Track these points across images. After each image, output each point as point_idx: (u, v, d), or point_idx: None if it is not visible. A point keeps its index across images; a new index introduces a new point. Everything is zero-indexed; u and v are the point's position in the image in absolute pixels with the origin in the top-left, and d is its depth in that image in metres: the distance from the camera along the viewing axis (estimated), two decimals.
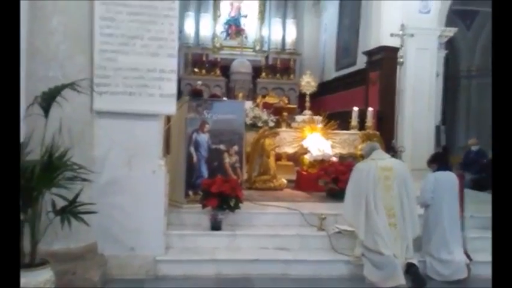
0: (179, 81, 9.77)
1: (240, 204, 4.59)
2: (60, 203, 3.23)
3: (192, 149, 4.98)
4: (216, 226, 4.52)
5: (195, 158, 4.99)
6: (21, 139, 3.24)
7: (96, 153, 3.95)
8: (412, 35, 8.06)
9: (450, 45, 10.64)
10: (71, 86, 3.31)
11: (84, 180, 3.33)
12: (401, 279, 4.00)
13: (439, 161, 4.64)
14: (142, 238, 4.08)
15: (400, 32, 7.87)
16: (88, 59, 3.88)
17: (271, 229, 4.71)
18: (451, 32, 9.38)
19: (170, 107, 4.14)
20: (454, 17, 9.85)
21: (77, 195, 3.28)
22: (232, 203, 4.49)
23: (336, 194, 5.47)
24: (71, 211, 3.21)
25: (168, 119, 4.85)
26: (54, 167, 3.15)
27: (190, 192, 4.94)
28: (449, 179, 4.48)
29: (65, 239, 3.53)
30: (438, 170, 4.54)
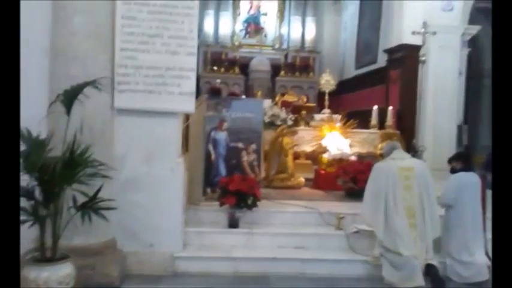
0: (198, 79, 9.79)
1: (258, 203, 4.60)
2: (81, 199, 3.29)
3: (211, 147, 5.01)
4: (233, 224, 4.53)
5: (213, 156, 5.02)
6: (44, 136, 3.31)
7: (116, 151, 4.01)
8: (434, 33, 7.90)
9: (473, 44, 10.41)
10: (92, 84, 3.37)
11: (105, 177, 3.38)
12: (421, 281, 3.95)
13: (462, 161, 4.55)
14: (161, 235, 4.13)
15: (422, 30, 7.73)
16: (109, 57, 3.94)
17: (289, 228, 4.71)
18: (474, 30, 9.17)
19: (189, 105, 4.17)
20: (477, 14, 9.61)
21: (97, 192, 3.33)
22: (249, 201, 4.50)
23: (355, 193, 5.43)
24: (91, 207, 3.27)
25: (187, 117, 4.89)
26: (75, 163, 3.21)
27: (209, 190, 4.97)
28: (472, 180, 4.39)
29: (85, 234, 3.59)
30: (461, 170, 4.45)
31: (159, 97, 4.06)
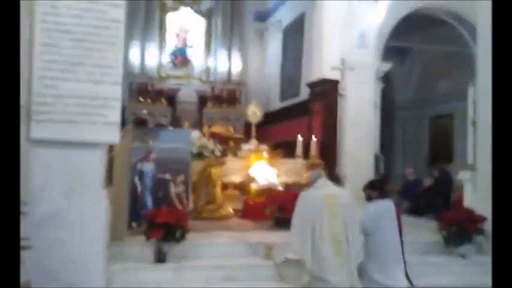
0: (123, 110, 9.55)
1: (186, 235, 4.49)
2: None
3: (137, 179, 4.86)
4: (161, 258, 4.37)
5: (139, 188, 4.86)
6: None
7: (32, 184, 3.73)
8: (351, 69, 8.47)
9: (386, 79, 11.28)
10: None
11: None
12: None
13: (377, 189, 4.79)
14: (82, 273, 3.85)
15: (340, 66, 8.26)
16: (26, 85, 3.72)
17: (219, 260, 4.64)
18: (387, 66, 9.96)
19: (113, 135, 4.03)
20: (389, 52, 10.49)
21: None
22: (178, 234, 4.38)
23: (283, 222, 5.50)
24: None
25: (111, 148, 4.71)
26: None
27: (134, 224, 4.78)
28: (387, 206, 4.64)
29: None
30: (377, 198, 4.68)
31: (81, 127, 3.88)
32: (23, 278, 3.50)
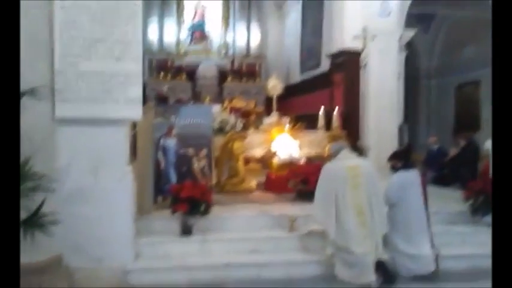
0: (144, 86, 9.61)
1: (210, 209, 4.55)
2: (23, 215, 3.10)
3: (160, 155, 4.91)
4: (186, 231, 4.46)
5: (163, 164, 4.92)
6: None
7: (59, 162, 3.82)
8: (373, 38, 8.25)
9: (410, 47, 10.97)
10: (31, 93, 3.19)
11: (47, 190, 3.21)
12: (372, 276, 4.07)
13: (402, 159, 4.74)
14: (111, 248, 3.98)
15: (362, 35, 8.05)
16: (49, 64, 3.76)
17: (243, 232, 4.70)
18: (410, 34, 9.67)
19: (136, 112, 4.06)
20: (412, 19, 10.16)
21: (39, 206, 3.16)
22: (202, 208, 4.44)
23: (306, 194, 5.51)
24: (33, 222, 3.08)
25: (134, 124, 4.76)
26: None
27: (159, 198, 4.86)
28: (412, 177, 4.59)
29: (28, 251, 3.37)
30: (402, 168, 4.63)
31: (104, 105, 3.92)
32: (54, 252, 3.65)
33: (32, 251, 3.40)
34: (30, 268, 3.43)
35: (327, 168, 4.53)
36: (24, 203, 3.08)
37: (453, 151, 8.42)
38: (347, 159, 4.53)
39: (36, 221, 3.11)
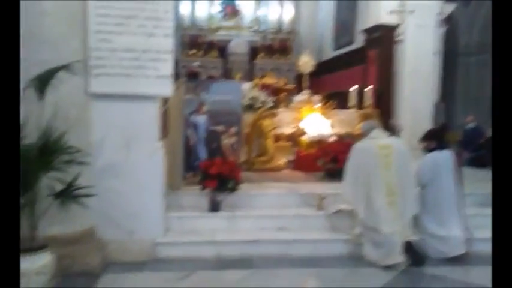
0: (176, 63, 9.65)
1: (239, 186, 4.59)
2: (58, 187, 3.22)
3: (190, 131, 4.95)
4: (215, 207, 4.52)
5: (193, 140, 4.96)
6: None
7: (92, 137, 3.92)
8: (412, 11, 7.94)
9: (449, 22, 10.51)
10: (65, 68, 3.26)
11: (81, 163, 3.31)
12: (401, 257, 4.03)
13: (435, 139, 4.60)
14: (141, 221, 4.08)
15: (399, 9, 7.76)
16: (82, 40, 3.82)
17: (271, 210, 4.72)
18: (449, 8, 9.26)
19: (167, 88, 4.09)
20: None
21: (74, 179, 3.27)
22: (231, 185, 4.48)
23: (335, 173, 5.46)
24: (68, 194, 3.20)
25: (165, 100, 4.80)
26: (50, 150, 3.13)
27: (189, 174, 4.93)
28: (446, 158, 4.46)
29: (63, 223, 3.52)
30: (435, 149, 4.51)
31: (135, 81, 3.96)
32: (88, 223, 3.78)
33: (67, 223, 3.55)
34: (64, 239, 3.58)
35: (358, 147, 4.47)
36: (60, 176, 3.19)
37: (490, 132, 8.12)
38: (378, 138, 4.44)
39: (71, 193, 3.22)
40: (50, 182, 3.20)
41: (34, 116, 3.23)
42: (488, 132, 8.16)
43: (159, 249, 4.13)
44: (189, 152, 4.94)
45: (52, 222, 3.42)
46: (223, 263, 4.09)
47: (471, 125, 8.78)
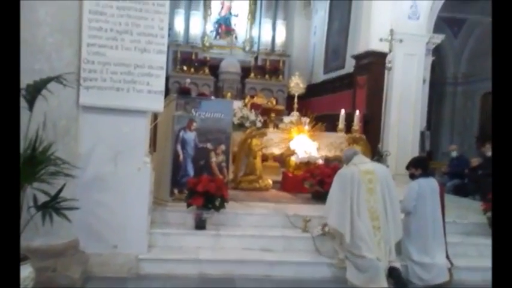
0: (167, 79, 9.68)
1: (225, 204, 4.58)
2: (42, 198, 3.17)
3: (179, 147, 4.94)
4: (200, 225, 4.49)
5: (181, 156, 4.95)
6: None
7: (80, 149, 3.89)
8: (400, 41, 8.13)
9: (437, 52, 10.77)
10: (57, 79, 3.26)
11: (68, 175, 3.28)
12: (384, 283, 4.03)
13: (420, 167, 4.66)
14: (126, 236, 4.03)
15: (389, 37, 7.94)
16: (76, 52, 3.83)
17: (256, 230, 4.70)
18: (438, 38, 9.50)
19: (158, 103, 4.10)
20: (442, 24, 9.98)
21: (59, 191, 3.23)
22: (217, 203, 4.46)
23: (321, 196, 5.47)
24: (52, 206, 3.16)
25: (155, 116, 4.81)
26: (37, 161, 3.10)
27: (176, 191, 4.90)
28: (431, 185, 4.52)
29: (45, 235, 3.46)
30: (420, 176, 4.56)
31: (126, 95, 3.97)
32: (71, 237, 3.72)
33: (49, 235, 3.49)
34: (47, 251, 3.52)
35: (342, 174, 4.48)
36: (45, 188, 3.15)
37: (474, 161, 8.26)
38: (361, 163, 4.48)
39: (55, 205, 3.18)
40: (34, 192, 3.16)
41: (22, 125, 3.20)
42: (473, 161, 8.30)
43: (142, 265, 4.07)
44: (177, 168, 4.93)
45: (35, 234, 3.36)
46: (206, 282, 4.05)
47: (454, 154, 8.92)
